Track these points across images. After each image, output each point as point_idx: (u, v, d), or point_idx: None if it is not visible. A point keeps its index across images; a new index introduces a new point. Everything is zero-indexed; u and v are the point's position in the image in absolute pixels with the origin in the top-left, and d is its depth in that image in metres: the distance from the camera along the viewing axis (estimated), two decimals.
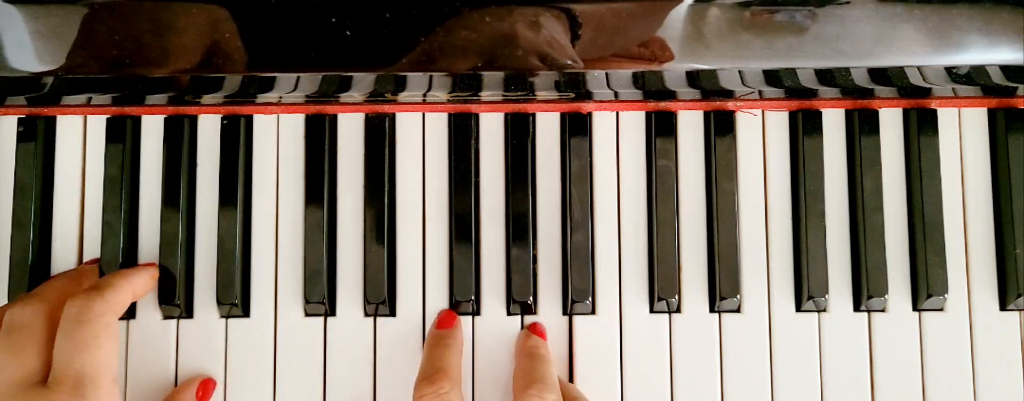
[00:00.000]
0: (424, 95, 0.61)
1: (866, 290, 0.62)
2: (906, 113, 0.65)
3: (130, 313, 0.63)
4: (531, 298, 0.63)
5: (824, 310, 0.63)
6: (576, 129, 0.64)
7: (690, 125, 0.65)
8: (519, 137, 0.64)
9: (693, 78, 0.60)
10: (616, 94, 0.62)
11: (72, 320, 0.56)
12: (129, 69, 0.57)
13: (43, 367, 0.56)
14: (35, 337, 0.56)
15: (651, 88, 0.61)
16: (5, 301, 0.62)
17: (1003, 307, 0.63)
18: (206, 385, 0.62)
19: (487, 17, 0.56)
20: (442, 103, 0.64)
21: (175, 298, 0.62)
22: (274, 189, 0.64)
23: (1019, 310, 0.63)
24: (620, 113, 0.65)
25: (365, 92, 0.60)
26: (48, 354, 0.56)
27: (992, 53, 0.58)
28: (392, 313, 0.63)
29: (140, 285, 0.61)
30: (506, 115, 0.64)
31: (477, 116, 0.64)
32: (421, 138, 0.65)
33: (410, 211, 0.64)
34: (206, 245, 0.64)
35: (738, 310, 0.63)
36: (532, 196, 0.64)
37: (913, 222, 0.64)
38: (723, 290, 0.63)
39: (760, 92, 0.62)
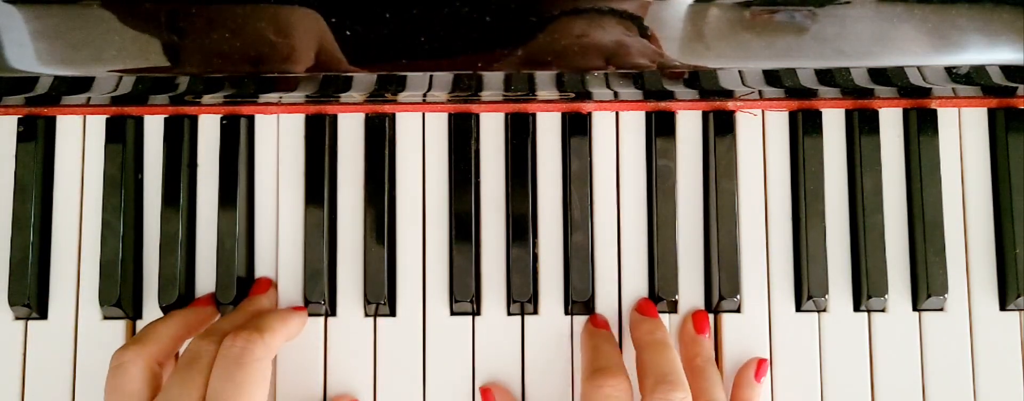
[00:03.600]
0: (424, 95, 0.61)
1: (866, 290, 0.62)
2: (906, 113, 0.65)
3: (135, 314, 0.63)
4: (531, 298, 0.63)
5: (824, 310, 0.63)
6: (576, 129, 0.64)
7: (690, 125, 0.65)
8: (519, 137, 0.64)
9: (693, 78, 0.60)
10: (616, 94, 0.62)
11: (232, 361, 0.54)
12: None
13: None
14: (135, 381, 0.55)
15: (651, 88, 0.61)
16: (4, 302, 0.62)
17: (1003, 307, 0.63)
18: None
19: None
20: (442, 103, 0.64)
21: (176, 299, 0.62)
22: (274, 189, 0.64)
23: (1019, 310, 0.63)
24: (620, 113, 0.65)
25: (365, 92, 0.60)
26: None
27: (992, 53, 0.58)
28: (392, 313, 0.63)
29: (293, 329, 0.60)
30: (506, 115, 0.64)
31: (477, 116, 0.64)
32: (421, 138, 0.65)
33: (410, 211, 0.64)
34: (206, 245, 0.64)
35: (738, 310, 0.63)
36: (532, 196, 0.64)
37: (913, 222, 0.64)
38: (723, 290, 0.63)
39: (760, 92, 0.62)
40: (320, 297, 0.62)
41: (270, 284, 0.63)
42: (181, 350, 0.60)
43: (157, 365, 0.57)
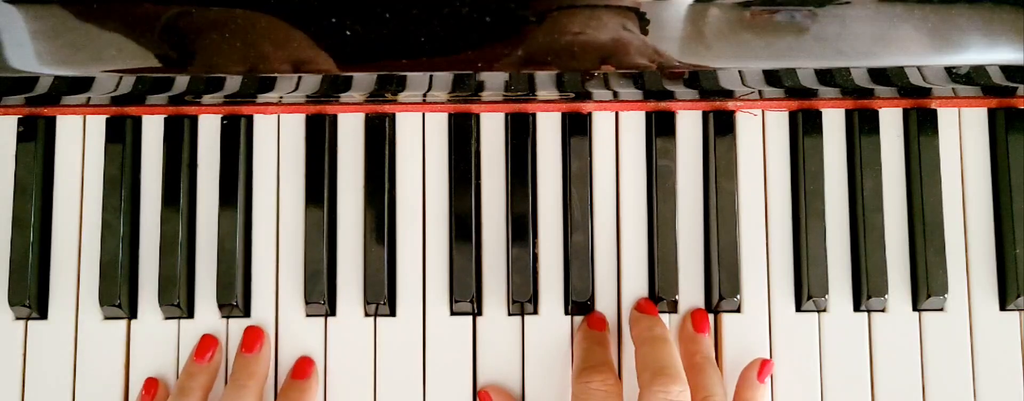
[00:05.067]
0: (424, 95, 0.61)
1: (866, 290, 0.62)
2: (906, 113, 0.65)
3: (132, 313, 0.63)
4: (531, 298, 0.63)
5: (824, 310, 0.63)
6: (576, 129, 0.64)
7: (690, 125, 0.65)
8: (519, 137, 0.64)
9: (693, 78, 0.60)
10: (616, 94, 0.62)
11: None
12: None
13: None
14: None
15: (651, 88, 0.61)
16: (4, 302, 0.62)
17: (1003, 307, 0.63)
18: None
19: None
20: (442, 103, 0.64)
21: (176, 299, 0.62)
22: (274, 189, 0.64)
23: (1019, 310, 0.63)
24: (620, 113, 0.65)
25: (365, 92, 0.60)
26: None
27: (992, 53, 0.58)
28: (392, 313, 0.63)
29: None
30: (506, 115, 0.64)
31: (477, 116, 0.64)
32: (421, 138, 0.65)
33: (410, 211, 0.64)
34: (206, 245, 0.64)
35: (738, 310, 0.63)
36: (532, 196, 0.64)
37: (913, 222, 0.64)
38: (723, 290, 0.63)
39: (760, 92, 0.62)
40: (320, 297, 0.62)
41: (261, 338, 0.62)
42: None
43: None
